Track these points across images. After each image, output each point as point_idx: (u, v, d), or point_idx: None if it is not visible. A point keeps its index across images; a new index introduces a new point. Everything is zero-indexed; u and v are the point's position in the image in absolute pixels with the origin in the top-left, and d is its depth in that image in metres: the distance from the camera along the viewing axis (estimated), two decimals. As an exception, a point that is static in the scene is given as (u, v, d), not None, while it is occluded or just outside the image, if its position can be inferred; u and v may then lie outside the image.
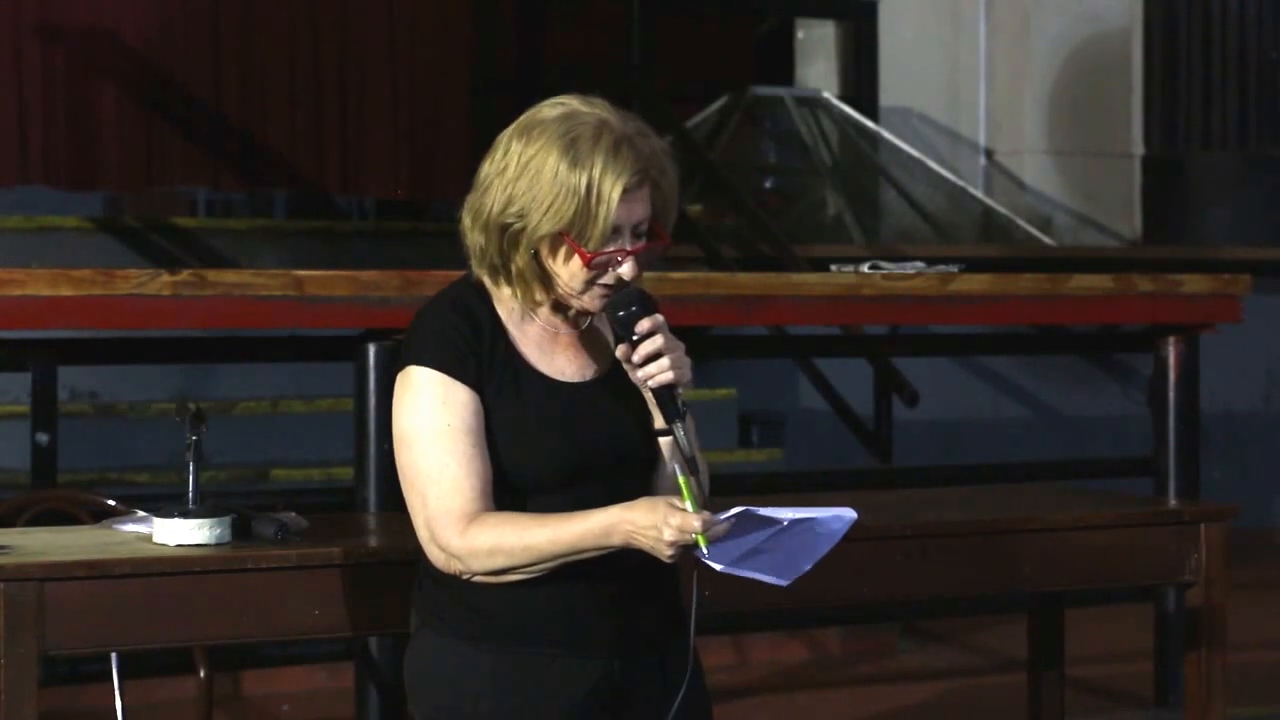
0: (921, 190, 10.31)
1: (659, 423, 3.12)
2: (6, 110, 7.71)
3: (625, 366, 3.10)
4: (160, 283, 4.95)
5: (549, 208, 3.04)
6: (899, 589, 4.35)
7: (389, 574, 3.69)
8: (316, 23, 8.30)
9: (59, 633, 3.52)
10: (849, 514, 3.05)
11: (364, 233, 8.81)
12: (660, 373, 3.06)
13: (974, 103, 10.76)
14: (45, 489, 5.25)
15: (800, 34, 10.69)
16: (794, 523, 3.00)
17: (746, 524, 2.98)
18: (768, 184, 10.35)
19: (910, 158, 10.32)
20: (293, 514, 3.87)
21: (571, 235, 3.05)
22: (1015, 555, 4.32)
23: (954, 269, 5.93)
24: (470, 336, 3.09)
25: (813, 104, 10.30)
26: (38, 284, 4.87)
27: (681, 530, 2.94)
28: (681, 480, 3.00)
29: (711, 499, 3.08)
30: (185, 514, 3.68)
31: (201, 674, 4.46)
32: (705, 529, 2.94)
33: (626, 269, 3.08)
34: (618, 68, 9.06)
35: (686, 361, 3.09)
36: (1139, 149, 10.87)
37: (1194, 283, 6.22)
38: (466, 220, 3.13)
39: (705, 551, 2.95)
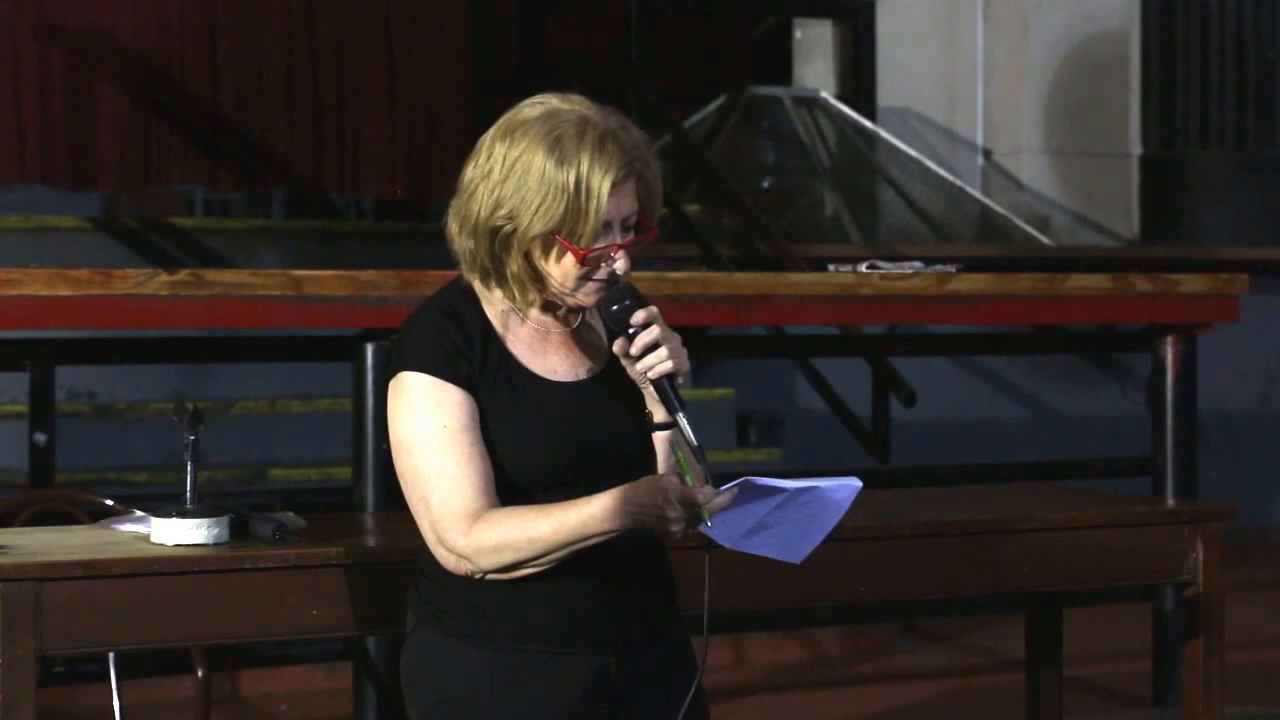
0: (919, 190, 10.31)
1: (659, 415, 3.12)
2: (5, 110, 7.70)
3: (624, 362, 3.09)
4: (158, 283, 4.95)
5: (539, 208, 3.04)
6: (897, 589, 4.35)
7: (387, 574, 3.69)
8: (314, 22, 8.30)
9: (57, 632, 3.52)
10: (854, 483, 3.04)
11: (362, 232, 8.81)
12: (660, 362, 3.06)
13: (972, 102, 10.76)
14: (43, 489, 5.26)
15: (798, 34, 10.69)
16: (798, 491, 2.99)
17: (749, 495, 2.97)
18: (765, 184, 10.35)
19: (908, 157, 10.32)
20: (290, 514, 3.87)
21: (563, 234, 3.05)
22: (1013, 555, 4.33)
23: (952, 269, 5.93)
24: (460, 339, 3.08)
25: (810, 104, 10.30)
26: (35, 284, 4.87)
27: (684, 504, 2.94)
28: (680, 457, 3.00)
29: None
30: (183, 514, 3.68)
31: (199, 674, 4.45)
32: (707, 501, 2.94)
33: (619, 264, 3.08)
34: (616, 68, 9.06)
35: (683, 351, 3.09)
36: (1136, 149, 10.87)
37: (1192, 282, 6.22)
38: (454, 226, 3.13)
39: (709, 525, 2.95)
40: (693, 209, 8.82)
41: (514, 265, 3.08)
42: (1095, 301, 6.16)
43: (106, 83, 7.88)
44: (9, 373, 5.98)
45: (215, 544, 3.68)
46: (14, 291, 4.85)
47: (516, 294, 3.10)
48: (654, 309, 3.09)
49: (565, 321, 3.17)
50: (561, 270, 3.08)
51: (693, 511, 2.94)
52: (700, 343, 6.59)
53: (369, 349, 5.23)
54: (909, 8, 10.56)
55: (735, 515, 2.98)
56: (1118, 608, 7.58)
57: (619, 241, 3.08)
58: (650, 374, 3.07)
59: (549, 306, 3.14)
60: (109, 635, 3.65)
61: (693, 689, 3.14)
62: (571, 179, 3.03)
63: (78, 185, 7.96)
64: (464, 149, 3.18)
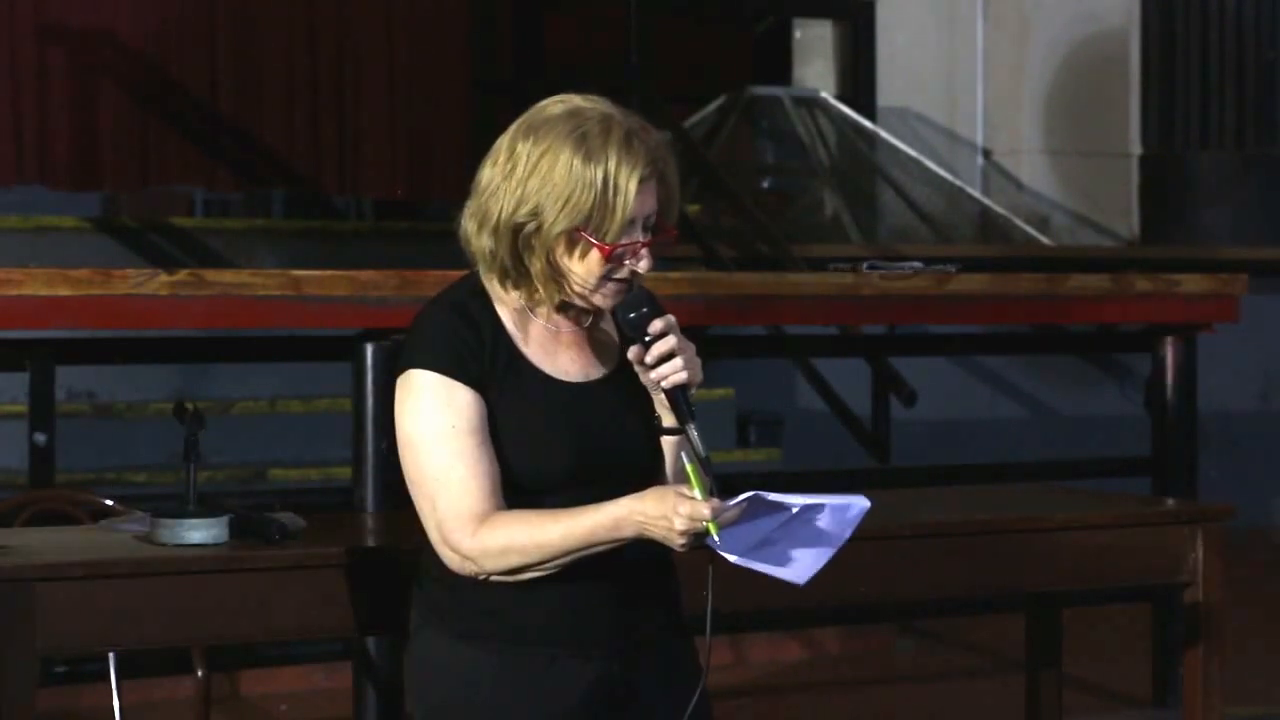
0: (919, 190, 10.31)
1: (668, 422, 3.11)
2: (4, 110, 7.70)
3: (637, 369, 3.08)
4: (158, 283, 4.95)
5: (565, 204, 3.02)
6: (897, 589, 4.35)
7: (387, 574, 3.69)
8: (314, 22, 8.30)
9: (57, 633, 3.52)
10: (862, 502, 3.03)
11: (361, 232, 8.81)
12: (674, 373, 3.06)
13: (972, 102, 10.77)
14: (43, 489, 5.25)
15: (798, 34, 10.69)
16: (805, 509, 2.98)
17: (757, 510, 2.96)
18: (765, 184, 10.35)
19: (908, 157, 10.32)
20: (290, 514, 3.87)
21: (588, 230, 3.04)
22: (1013, 555, 4.32)
23: (951, 269, 5.93)
24: (470, 338, 3.07)
25: (810, 104, 10.30)
26: (35, 284, 4.87)
27: (692, 518, 2.93)
28: (690, 469, 2.99)
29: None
30: (183, 514, 3.68)
31: (199, 674, 4.45)
32: (715, 515, 2.93)
33: (643, 263, 3.07)
34: (616, 67, 9.05)
35: (698, 362, 3.08)
36: (1136, 149, 10.87)
37: (1191, 283, 6.22)
38: (471, 226, 3.11)
39: (717, 539, 2.94)
40: (693, 209, 8.82)
41: (536, 264, 3.06)
42: (1095, 301, 6.16)
43: (106, 83, 7.88)
44: (9, 373, 5.98)
45: (215, 544, 3.68)
46: (14, 291, 4.85)
47: (540, 291, 3.09)
48: (671, 318, 3.07)
49: (578, 322, 3.16)
50: (584, 268, 3.07)
51: (700, 526, 2.94)
52: (700, 343, 6.58)
53: (369, 349, 5.23)
54: (909, 8, 10.57)
55: (741, 530, 2.97)
56: (1117, 608, 7.58)
57: (641, 239, 3.07)
58: (664, 384, 3.06)
59: (563, 307, 3.13)
60: (109, 635, 3.64)
61: (696, 695, 3.13)
62: (599, 175, 3.02)
63: (78, 185, 7.96)
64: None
